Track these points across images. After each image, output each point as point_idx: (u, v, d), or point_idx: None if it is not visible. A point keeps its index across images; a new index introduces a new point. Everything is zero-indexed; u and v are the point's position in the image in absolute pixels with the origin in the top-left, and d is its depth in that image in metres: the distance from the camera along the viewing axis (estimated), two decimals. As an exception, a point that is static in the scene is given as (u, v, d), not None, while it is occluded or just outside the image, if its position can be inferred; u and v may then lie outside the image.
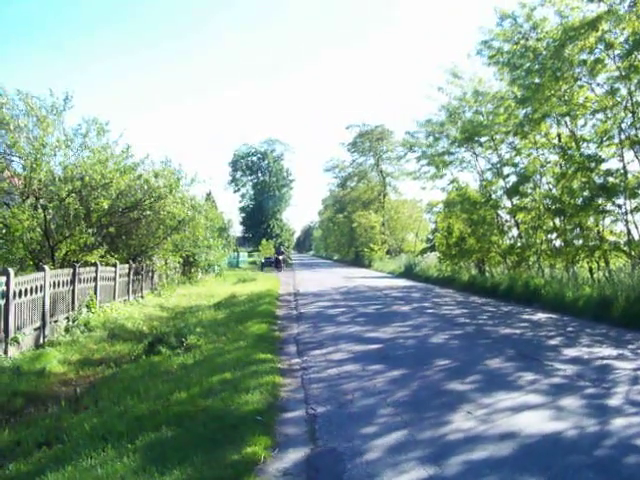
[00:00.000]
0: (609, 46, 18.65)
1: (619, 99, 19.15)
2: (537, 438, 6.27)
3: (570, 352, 11.36)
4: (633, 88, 18.38)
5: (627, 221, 19.68)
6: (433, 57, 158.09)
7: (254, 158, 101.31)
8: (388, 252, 64.24)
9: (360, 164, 79.41)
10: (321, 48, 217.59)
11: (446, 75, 30.97)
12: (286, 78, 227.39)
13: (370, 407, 7.66)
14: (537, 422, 6.79)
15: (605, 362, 10.36)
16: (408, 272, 41.33)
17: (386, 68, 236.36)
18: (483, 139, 29.46)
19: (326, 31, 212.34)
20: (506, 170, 27.67)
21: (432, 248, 38.95)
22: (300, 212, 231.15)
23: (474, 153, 31.68)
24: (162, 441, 6.32)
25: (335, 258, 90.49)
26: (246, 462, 5.65)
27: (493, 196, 28.52)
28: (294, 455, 5.99)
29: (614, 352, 11.33)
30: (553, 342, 12.77)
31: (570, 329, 14.76)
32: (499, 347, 12.04)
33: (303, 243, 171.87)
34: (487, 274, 29.69)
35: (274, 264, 55.80)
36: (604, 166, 20.27)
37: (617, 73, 18.69)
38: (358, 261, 65.53)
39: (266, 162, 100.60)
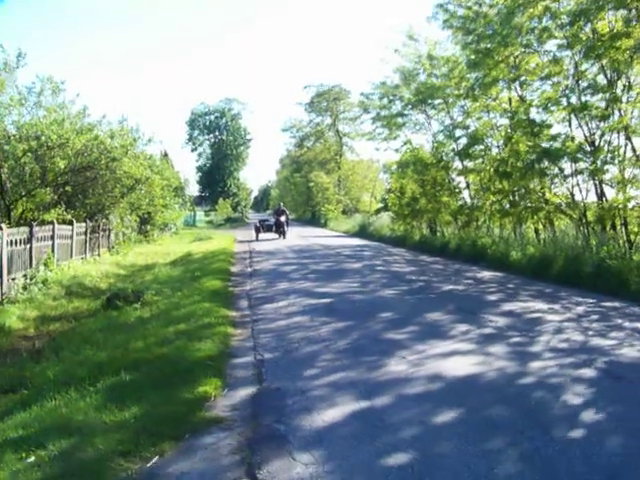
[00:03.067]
0: (554, 16, 19.27)
1: (565, 67, 19.80)
2: (461, 378, 6.99)
3: (506, 306, 12.12)
4: (578, 57, 19.01)
5: (572, 184, 20.49)
6: (392, 18, 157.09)
7: (211, 117, 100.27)
8: (344, 212, 64.72)
9: (317, 124, 79.51)
10: (277, 7, 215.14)
11: (402, 37, 31.39)
12: (243, 38, 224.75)
13: (313, 353, 8.32)
14: (463, 366, 7.49)
15: (536, 315, 11.12)
16: (362, 231, 42.10)
17: (345, 29, 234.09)
18: (436, 102, 29.97)
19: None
20: (458, 132, 28.24)
21: (386, 208, 39.60)
22: (258, 172, 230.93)
23: (427, 115, 32.21)
24: (121, 384, 6.86)
25: (292, 217, 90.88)
26: (198, 400, 6.26)
27: (445, 158, 29.15)
28: (242, 394, 6.62)
29: (546, 306, 12.10)
30: (492, 297, 13.56)
31: (511, 286, 15.54)
32: (441, 302, 12.77)
33: (261, 202, 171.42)
34: (438, 234, 30.52)
35: (273, 228, 39.12)
36: (554, 131, 21.03)
37: (564, 42, 19.30)
38: (314, 220, 66.07)
39: (223, 121, 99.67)
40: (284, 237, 37.66)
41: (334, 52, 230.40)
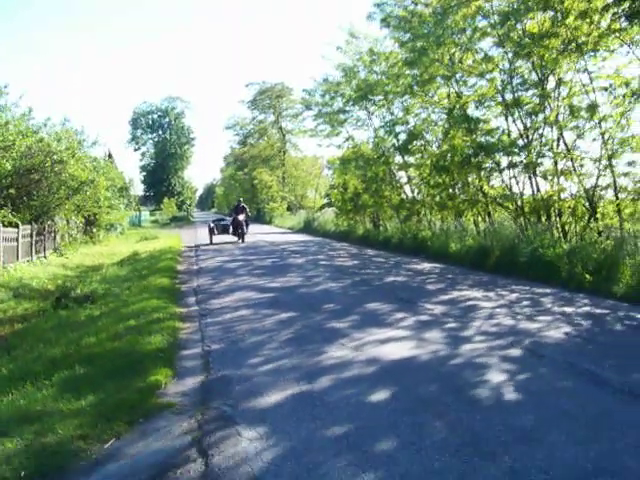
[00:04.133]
0: (486, 15, 20.03)
1: (499, 64, 20.56)
2: (396, 361, 7.50)
3: (443, 296, 12.71)
4: (510, 55, 19.76)
5: (509, 177, 21.30)
6: (334, 16, 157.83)
7: (155, 116, 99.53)
8: (289, 208, 65.16)
9: (260, 121, 79.70)
10: (220, 4, 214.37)
11: (344, 35, 32.09)
12: (185, 36, 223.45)
13: (258, 343, 8.73)
14: (399, 350, 8.00)
15: (471, 303, 11.74)
16: (307, 227, 42.62)
17: (288, 26, 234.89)
18: (377, 98, 30.45)
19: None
20: (398, 128, 28.80)
21: (330, 204, 40.20)
22: (203, 170, 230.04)
23: (369, 112, 32.76)
24: (76, 376, 7.17)
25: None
26: (150, 387, 6.63)
27: (386, 153, 29.73)
28: (191, 381, 7.01)
29: (481, 294, 12.76)
30: (431, 287, 14.17)
31: (449, 276, 16.19)
32: (381, 293, 13.32)
33: (206, 200, 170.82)
34: (381, 228, 31.19)
35: (230, 228, 32.97)
36: (493, 125, 21.84)
37: (496, 40, 20.07)
38: (260, 217, 66.30)
39: (167, 120, 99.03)
40: (242, 240, 31.43)
41: (277, 50, 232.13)
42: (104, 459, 4.95)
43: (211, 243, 30.83)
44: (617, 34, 16.34)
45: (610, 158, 17.27)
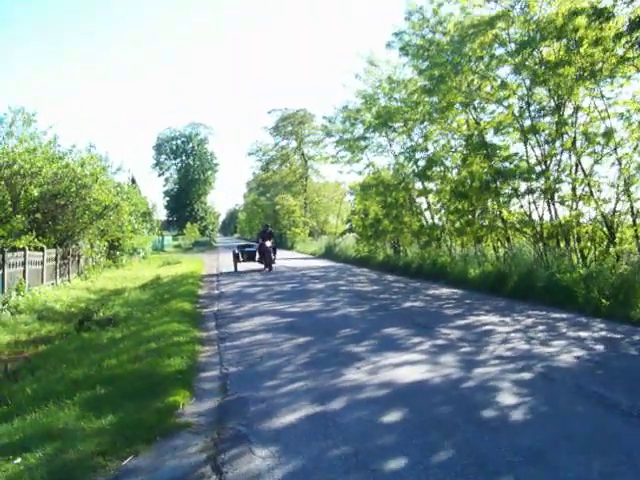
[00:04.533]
0: (503, 44, 20.28)
1: (516, 92, 20.75)
2: (409, 384, 7.66)
3: (460, 321, 12.80)
4: (527, 82, 19.96)
5: (528, 203, 21.40)
6: (354, 45, 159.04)
7: (178, 142, 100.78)
8: (311, 234, 65.53)
9: (283, 147, 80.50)
10: (242, 32, 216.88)
11: (363, 63, 32.39)
12: (210, 63, 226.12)
13: (275, 366, 8.92)
14: (413, 374, 8.15)
15: (487, 328, 11.84)
16: (328, 253, 42.79)
17: (311, 54, 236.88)
18: (397, 125, 30.65)
19: (249, 16, 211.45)
20: (418, 155, 28.99)
21: (351, 230, 40.39)
22: (225, 195, 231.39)
23: (389, 138, 33.02)
24: (97, 397, 7.39)
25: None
26: (168, 408, 6.84)
27: (405, 179, 29.88)
28: (208, 403, 7.22)
29: (498, 319, 12.84)
30: (449, 312, 14.24)
31: (467, 301, 16.26)
32: (399, 318, 13.45)
33: (228, 226, 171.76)
34: (401, 253, 31.32)
35: (257, 255, 30.68)
36: (513, 150, 22.01)
37: (513, 67, 20.31)
38: (282, 243, 66.43)
39: (190, 145, 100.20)
40: (270, 269, 28.57)
41: (299, 77, 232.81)
42: (122, 475, 5.16)
43: (235, 271, 28.75)
44: (631, 62, 16.49)
45: (627, 183, 17.37)
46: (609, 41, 16.38)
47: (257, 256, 30.35)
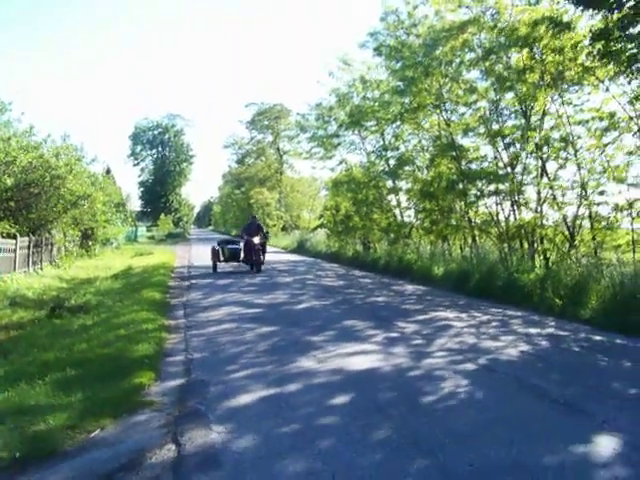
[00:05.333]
0: (472, 49, 20.94)
1: (485, 96, 21.40)
2: (360, 371, 8.22)
3: (419, 316, 13.34)
4: (495, 86, 20.59)
5: (494, 203, 22.08)
6: (332, 40, 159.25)
7: (155, 132, 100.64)
8: (284, 228, 65.92)
9: (258, 141, 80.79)
10: (222, 25, 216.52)
11: (337, 62, 32.75)
12: (188, 54, 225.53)
13: (237, 353, 9.46)
14: (365, 362, 8.71)
15: (443, 323, 12.40)
16: (300, 247, 43.25)
17: (288, 51, 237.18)
18: (369, 124, 31.20)
19: (230, 9, 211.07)
20: (389, 154, 29.61)
21: (323, 225, 40.86)
22: (201, 187, 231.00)
23: (361, 136, 33.56)
24: (67, 378, 7.84)
25: (234, 233, 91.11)
26: (134, 388, 7.34)
27: (376, 177, 30.44)
28: (172, 383, 7.74)
29: (454, 315, 13.38)
30: (409, 308, 14.82)
31: (429, 298, 16.84)
32: (360, 311, 14.02)
33: (203, 218, 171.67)
34: (371, 250, 31.91)
35: (241, 254, 25.94)
36: (482, 152, 22.65)
37: (480, 72, 21.00)
38: (255, 236, 66.67)
39: (167, 136, 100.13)
40: (258, 270, 24.55)
41: (277, 72, 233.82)
42: (90, 446, 5.66)
43: (214, 271, 24.75)
44: (592, 72, 17.19)
45: (583, 187, 18.10)
46: (569, 51, 17.08)
47: (242, 255, 25.40)
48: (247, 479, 4.83)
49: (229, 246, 26.33)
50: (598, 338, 10.87)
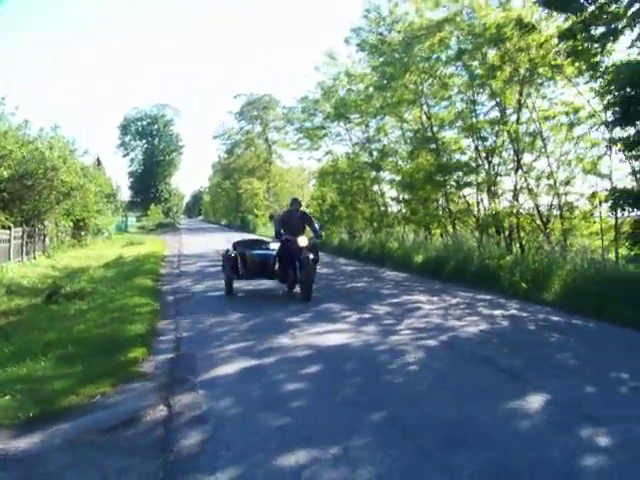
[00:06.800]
0: (447, 47, 21.90)
1: (462, 91, 22.40)
2: (331, 347, 9.18)
3: (393, 299, 14.30)
4: (472, 82, 21.58)
5: (476, 194, 23.08)
6: (320, 33, 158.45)
7: (144, 123, 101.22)
8: (271, 217, 66.41)
9: (248, 132, 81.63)
10: (212, 16, 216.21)
11: (323, 57, 33.49)
12: (178, 44, 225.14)
13: (222, 332, 10.46)
14: (337, 339, 9.66)
15: (414, 305, 13.37)
16: (288, 237, 44.02)
17: (277, 45, 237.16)
18: (353, 116, 32.10)
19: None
20: (372, 146, 30.57)
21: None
22: (190, 177, 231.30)
23: (346, 128, 34.35)
24: (68, 353, 8.75)
25: (223, 223, 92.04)
26: (129, 361, 8.27)
27: (360, 168, 31.36)
28: (163, 357, 8.68)
29: (426, 299, 14.34)
30: (385, 292, 15.76)
31: (406, 283, 17.79)
32: (338, 295, 14.97)
33: (193, 208, 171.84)
34: (357, 239, 32.85)
35: (276, 264, 15.06)
36: (461, 145, 23.62)
37: (456, 70, 22.01)
38: (244, 226, 67.60)
39: (156, 127, 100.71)
40: (306, 297, 13.93)
41: (265, 67, 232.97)
42: (92, 408, 6.58)
43: (229, 293, 15.24)
44: (559, 69, 18.17)
45: (552, 178, 19.13)
46: (537, 50, 18.05)
47: (276, 265, 15.10)
48: (227, 432, 5.74)
49: (254, 251, 15.52)
50: (555, 318, 11.79)
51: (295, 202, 16.06)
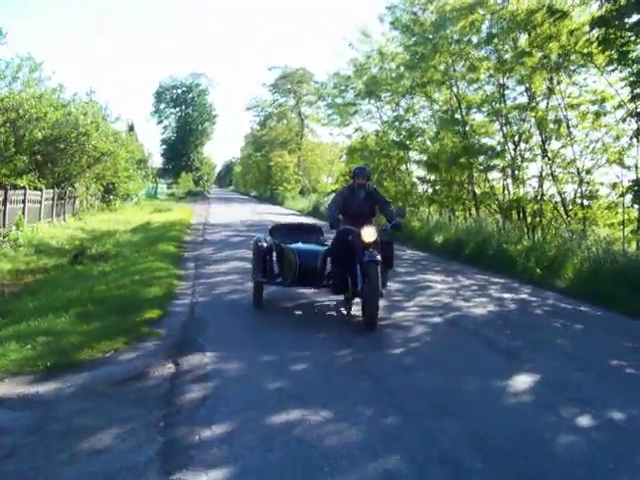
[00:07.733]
0: (478, 31, 21.97)
1: (493, 75, 22.48)
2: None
3: (407, 277, 14.49)
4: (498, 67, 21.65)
5: (500, 178, 23.28)
6: (354, 14, 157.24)
7: (179, 91, 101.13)
8: (302, 192, 66.80)
9: (280, 104, 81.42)
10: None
11: (357, 34, 33.40)
12: (214, 15, 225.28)
13: (236, 300, 10.91)
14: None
15: (426, 284, 13.65)
16: (315, 210, 44.16)
17: (312, 19, 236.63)
18: (384, 94, 32.14)
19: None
20: (403, 125, 30.66)
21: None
22: (223, 147, 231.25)
23: (377, 106, 34.41)
24: (88, 311, 9.16)
25: (252, 194, 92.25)
26: (144, 321, 8.69)
27: (388, 147, 31.47)
28: (177, 319, 9.13)
29: (441, 279, 14.60)
30: (401, 270, 15.70)
31: (424, 263, 17.97)
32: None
33: (224, 178, 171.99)
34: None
35: (328, 265, 9.90)
36: (487, 129, 23.77)
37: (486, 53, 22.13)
38: (273, 199, 67.84)
39: (190, 95, 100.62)
40: (370, 324, 8.90)
41: (301, 36, 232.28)
42: (106, 362, 7.01)
43: (258, 306, 10.16)
44: (589, 58, 18.18)
45: (572, 165, 19.26)
46: (567, 38, 18.08)
47: (328, 267, 10.04)
48: (228, 390, 6.14)
49: (296, 246, 10.27)
50: (564, 305, 11.98)
51: (361, 172, 10.34)
